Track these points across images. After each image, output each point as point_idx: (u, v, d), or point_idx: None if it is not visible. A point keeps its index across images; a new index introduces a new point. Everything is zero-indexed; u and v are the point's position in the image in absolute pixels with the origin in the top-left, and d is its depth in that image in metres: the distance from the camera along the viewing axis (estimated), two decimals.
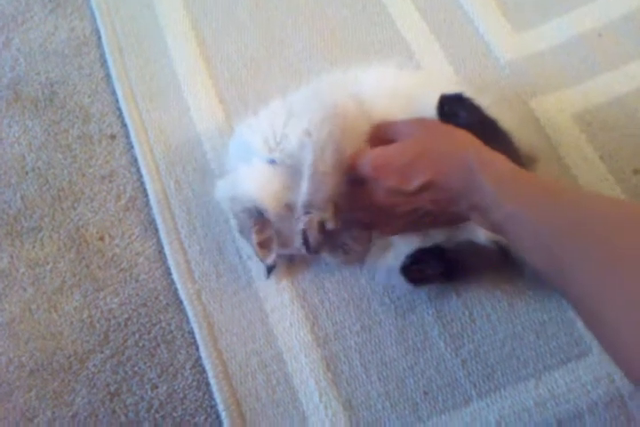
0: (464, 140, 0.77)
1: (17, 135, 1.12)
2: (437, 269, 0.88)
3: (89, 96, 1.16)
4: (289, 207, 0.84)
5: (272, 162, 0.87)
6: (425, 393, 0.89)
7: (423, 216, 0.81)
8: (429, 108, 0.86)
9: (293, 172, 0.84)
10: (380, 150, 0.80)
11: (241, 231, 0.93)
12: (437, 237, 0.91)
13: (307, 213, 0.80)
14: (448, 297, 0.93)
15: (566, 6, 1.11)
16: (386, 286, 0.94)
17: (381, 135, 0.84)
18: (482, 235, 0.87)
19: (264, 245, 0.87)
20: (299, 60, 1.13)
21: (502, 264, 0.89)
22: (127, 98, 1.15)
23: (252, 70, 1.13)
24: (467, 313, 0.92)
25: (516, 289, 0.92)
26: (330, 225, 0.79)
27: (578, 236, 0.61)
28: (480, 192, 0.71)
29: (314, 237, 0.79)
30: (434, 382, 0.90)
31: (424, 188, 0.75)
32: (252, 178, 0.87)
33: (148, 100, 1.14)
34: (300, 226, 0.79)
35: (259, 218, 0.86)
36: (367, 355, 0.91)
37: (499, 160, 0.73)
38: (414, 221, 0.83)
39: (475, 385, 0.89)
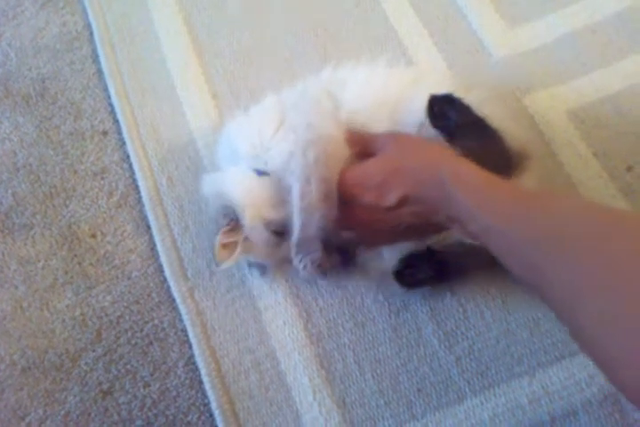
0: (436, 154, 0.77)
1: (8, 131, 1.11)
2: (429, 272, 0.89)
3: (80, 92, 1.15)
4: (266, 223, 0.84)
5: (259, 173, 0.86)
6: (418, 390, 0.89)
7: (407, 229, 0.80)
8: (419, 109, 0.85)
9: (278, 186, 0.85)
10: (355, 168, 0.81)
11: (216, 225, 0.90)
12: (428, 239, 0.90)
13: (299, 253, 0.80)
14: (442, 295, 0.92)
15: (560, 3, 1.10)
16: (379, 285, 0.93)
17: (365, 148, 0.83)
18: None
19: (227, 248, 0.85)
20: (291, 55, 1.12)
21: (494, 262, 0.87)
22: (119, 94, 1.14)
23: (245, 66, 1.12)
24: (460, 311, 0.92)
25: (510, 286, 0.91)
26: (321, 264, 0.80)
27: (554, 245, 0.60)
28: (455, 205, 0.70)
29: (315, 272, 0.81)
30: (427, 379, 0.90)
31: (402, 202, 0.75)
32: (237, 183, 0.87)
33: (140, 95, 1.13)
34: (299, 266, 0.81)
35: (233, 221, 0.85)
36: (361, 352, 0.91)
37: (472, 172, 0.72)
38: (399, 234, 0.83)
39: (468, 382, 0.89)
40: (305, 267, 0.80)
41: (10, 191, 1.06)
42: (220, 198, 0.87)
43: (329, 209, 0.79)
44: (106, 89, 1.14)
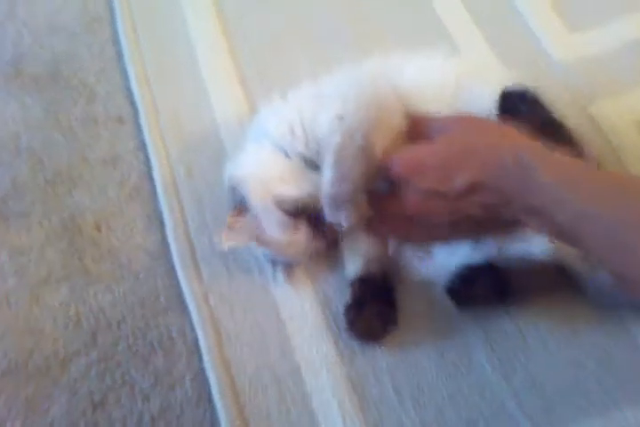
0: (514, 134, 0.69)
1: (14, 113, 1.04)
2: (489, 290, 0.79)
3: (96, 75, 1.08)
4: (278, 202, 0.77)
5: (285, 154, 0.79)
6: (468, 424, 0.77)
7: (466, 224, 0.72)
8: (480, 104, 0.79)
9: (303, 171, 0.78)
10: (415, 148, 0.72)
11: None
12: (486, 248, 0.80)
13: (335, 208, 0.71)
14: (498, 316, 0.82)
15: (625, 9, 1.05)
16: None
17: (418, 133, 0.76)
18: (537, 246, 0.78)
19: (236, 232, 0.80)
20: (327, 40, 1.06)
21: (561, 283, 0.81)
22: (139, 78, 1.06)
23: (277, 51, 1.05)
24: (519, 336, 0.81)
25: (577, 310, 0.81)
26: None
27: None
28: (538, 192, 0.62)
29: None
30: (479, 411, 0.78)
31: (470, 189, 0.66)
32: (250, 160, 0.82)
33: (161, 80, 1.06)
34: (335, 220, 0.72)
35: (240, 204, 0.80)
36: (400, 377, 0.80)
37: (557, 154, 0.65)
38: (455, 231, 0.74)
39: (531, 419, 0.76)
40: (345, 218, 0.71)
41: (9, 176, 0.97)
42: (230, 180, 0.81)
43: (364, 163, 0.71)
44: (124, 74, 1.07)
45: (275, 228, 0.78)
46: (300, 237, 0.78)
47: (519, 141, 0.68)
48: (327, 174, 0.73)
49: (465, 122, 0.75)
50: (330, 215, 0.73)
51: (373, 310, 0.80)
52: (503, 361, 0.80)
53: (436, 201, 0.70)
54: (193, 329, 0.84)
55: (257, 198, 0.78)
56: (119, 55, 1.10)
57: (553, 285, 0.80)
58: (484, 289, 0.79)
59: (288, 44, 1.06)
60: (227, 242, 0.80)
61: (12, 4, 1.14)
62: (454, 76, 0.84)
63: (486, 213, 0.69)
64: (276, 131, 0.82)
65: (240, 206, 0.80)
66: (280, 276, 0.86)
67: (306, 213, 0.78)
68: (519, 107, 0.77)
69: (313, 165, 0.79)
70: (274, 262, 0.86)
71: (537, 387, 0.78)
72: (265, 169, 0.79)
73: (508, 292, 0.80)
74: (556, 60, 1.01)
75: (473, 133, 0.72)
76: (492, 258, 0.80)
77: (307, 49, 1.05)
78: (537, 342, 0.80)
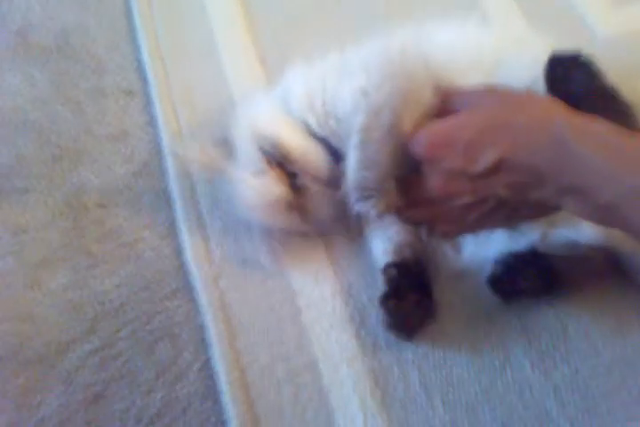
0: (549, 107, 0.62)
1: (20, 86, 0.99)
2: (535, 280, 0.73)
3: (107, 48, 1.03)
4: (259, 140, 0.74)
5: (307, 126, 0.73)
6: (503, 425, 0.70)
7: (495, 209, 0.66)
8: (522, 74, 0.73)
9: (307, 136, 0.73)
10: (438, 124, 0.66)
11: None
12: (529, 233, 0.74)
13: (362, 197, 0.66)
14: (536, 305, 0.75)
15: None
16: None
17: (447, 109, 0.69)
18: (584, 230, 0.71)
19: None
20: (354, 19, 1.00)
21: (606, 269, 0.74)
22: (151, 51, 1.02)
23: (300, 28, 1.00)
24: (560, 327, 0.74)
25: (625, 301, 0.74)
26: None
27: None
28: (579, 169, 0.57)
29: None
30: (515, 411, 0.70)
31: (496, 168, 0.60)
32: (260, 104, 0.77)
33: (175, 55, 1.01)
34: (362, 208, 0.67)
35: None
36: (429, 372, 0.73)
37: (602, 126, 0.58)
38: (484, 217, 0.68)
39: (571, 421, 0.69)
40: (373, 207, 0.67)
41: (13, 151, 0.93)
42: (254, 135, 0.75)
43: (392, 143, 0.66)
44: (137, 47, 1.03)
45: (244, 161, 0.74)
46: (264, 182, 0.73)
47: (557, 115, 0.61)
48: (352, 158, 0.67)
49: (496, 94, 0.68)
50: (356, 204, 0.67)
51: (413, 299, 0.73)
52: (543, 355, 0.73)
53: (461, 182, 0.64)
54: (201, 315, 0.78)
55: (242, 130, 0.75)
56: (131, 28, 1.05)
57: (598, 272, 0.74)
58: (531, 279, 0.73)
59: (312, 20, 1.01)
60: (192, 155, 0.77)
61: None
62: (491, 45, 0.77)
63: (514, 195, 0.62)
64: (296, 103, 0.76)
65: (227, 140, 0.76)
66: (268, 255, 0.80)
67: (284, 168, 0.73)
68: (571, 74, 0.69)
69: (325, 146, 0.73)
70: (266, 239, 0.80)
71: (579, 385, 0.71)
72: (267, 112, 0.75)
73: (555, 282, 0.73)
74: (599, 36, 0.96)
75: (504, 106, 0.65)
76: (535, 244, 0.73)
77: (332, 25, 1.00)
78: (579, 334, 0.73)
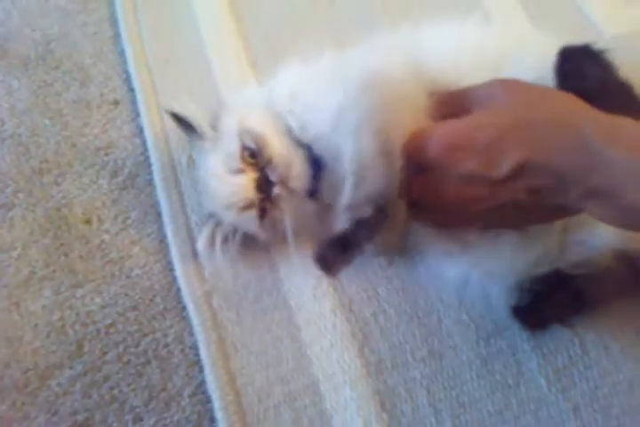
0: (572, 103, 0.60)
1: None
2: (565, 307, 0.70)
3: (91, 57, 0.99)
4: (242, 133, 0.71)
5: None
6: None
7: (512, 212, 0.62)
8: (525, 75, 0.68)
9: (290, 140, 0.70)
10: (452, 124, 0.63)
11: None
12: (543, 241, 0.69)
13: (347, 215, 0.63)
14: None
15: None
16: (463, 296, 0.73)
17: (452, 106, 0.66)
18: (602, 237, 0.67)
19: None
20: (350, 20, 0.96)
21: (625, 278, 0.70)
22: (137, 58, 0.97)
23: (293, 31, 0.96)
24: (577, 342, 0.70)
25: None
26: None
27: None
28: (607, 170, 0.53)
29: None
30: None
31: (518, 172, 0.57)
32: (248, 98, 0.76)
33: (162, 61, 0.97)
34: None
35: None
36: (438, 391, 0.70)
37: (626, 122, 0.55)
38: (498, 220, 0.65)
39: None
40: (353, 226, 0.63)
41: None
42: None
43: (388, 168, 0.62)
44: (122, 55, 0.98)
45: (223, 156, 0.71)
46: (239, 182, 0.69)
47: (580, 112, 0.58)
48: (347, 193, 0.64)
49: (513, 87, 0.64)
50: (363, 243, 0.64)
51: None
52: (559, 372, 0.70)
53: (479, 187, 0.60)
54: (193, 335, 0.75)
55: (230, 119, 0.72)
56: (116, 36, 1.01)
57: (617, 282, 0.70)
58: (561, 306, 0.69)
59: (304, 23, 0.97)
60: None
61: None
62: (494, 45, 0.75)
63: (533, 200, 0.59)
64: (278, 105, 0.73)
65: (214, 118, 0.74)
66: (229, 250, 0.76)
67: (260, 168, 0.69)
68: (583, 67, 0.66)
69: (307, 153, 0.70)
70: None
71: (600, 403, 0.68)
72: (259, 108, 0.72)
73: (584, 304, 0.70)
74: (605, 35, 0.93)
75: (525, 103, 0.62)
76: (552, 258, 0.68)
77: (326, 27, 0.96)
78: (598, 349, 0.70)
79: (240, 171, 0.70)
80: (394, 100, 0.65)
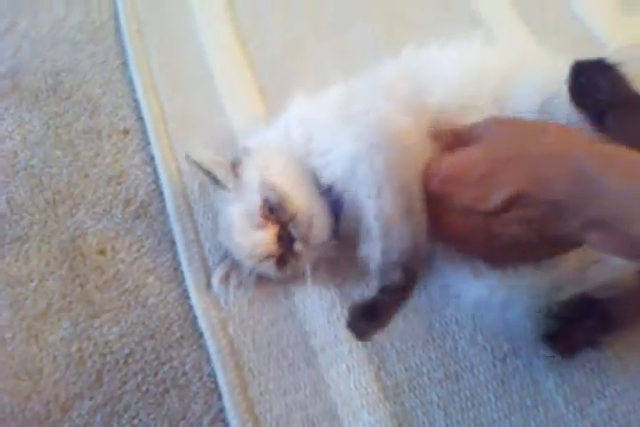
0: (565, 136, 0.59)
1: (10, 129, 0.97)
2: (597, 331, 0.68)
3: (100, 86, 1.01)
4: (264, 189, 0.71)
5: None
6: None
7: (513, 246, 0.60)
8: (532, 95, 0.69)
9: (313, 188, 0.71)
10: (449, 158, 0.63)
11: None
12: (561, 263, 0.68)
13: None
14: None
15: None
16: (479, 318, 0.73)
17: (456, 144, 0.65)
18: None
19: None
20: (356, 44, 0.98)
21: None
22: (146, 87, 0.99)
23: (299, 56, 0.98)
24: (594, 359, 0.70)
25: None
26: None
27: None
28: (606, 202, 0.52)
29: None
30: None
31: (510, 204, 0.56)
32: (274, 139, 0.76)
33: (170, 89, 0.98)
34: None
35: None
36: (455, 413, 0.70)
37: (624, 152, 0.54)
38: (501, 253, 0.63)
39: None
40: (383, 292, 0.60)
41: (4, 197, 0.90)
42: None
43: (414, 225, 0.60)
44: (130, 84, 1.00)
45: (245, 209, 0.71)
46: (259, 236, 0.70)
47: (575, 143, 0.57)
48: (376, 259, 0.62)
49: (507, 122, 0.65)
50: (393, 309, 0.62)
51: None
52: (577, 391, 0.70)
53: (472, 218, 0.60)
54: (210, 363, 0.76)
55: (252, 171, 0.72)
56: (125, 65, 1.02)
57: (630, 295, 0.69)
58: (592, 331, 0.68)
59: (311, 48, 0.98)
60: (197, 155, 0.75)
61: (14, 16, 1.08)
62: (499, 69, 0.73)
63: (528, 232, 0.58)
64: (295, 145, 0.74)
65: (234, 163, 0.75)
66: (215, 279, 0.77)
67: (282, 223, 0.70)
68: (595, 81, 0.65)
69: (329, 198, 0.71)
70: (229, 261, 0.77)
71: (619, 422, 0.68)
72: (281, 156, 0.72)
73: (613, 326, 0.68)
74: (608, 48, 0.93)
75: (516, 137, 0.61)
76: (574, 280, 0.68)
77: (332, 52, 0.97)
78: (615, 366, 0.70)
79: (262, 225, 0.70)
80: (406, 155, 0.64)
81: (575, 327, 0.67)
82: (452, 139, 0.67)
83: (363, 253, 0.64)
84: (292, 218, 0.69)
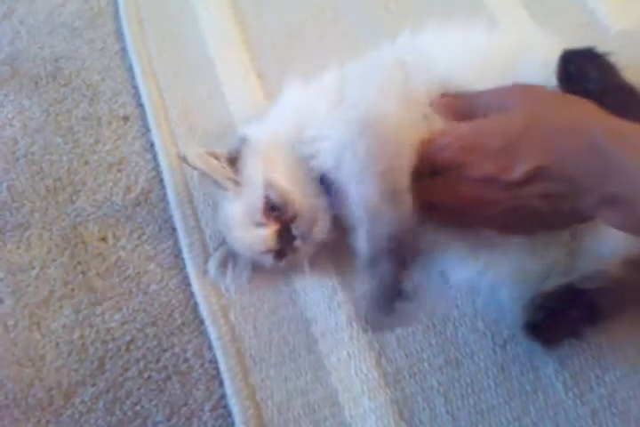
0: (586, 109, 0.59)
1: (10, 116, 0.96)
2: (580, 321, 0.67)
3: (99, 73, 1.00)
4: (267, 187, 0.71)
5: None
6: None
7: (526, 217, 0.61)
8: (533, 77, 0.68)
9: (313, 183, 0.71)
10: (468, 126, 0.63)
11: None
12: (553, 249, 0.68)
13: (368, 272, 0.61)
14: None
15: None
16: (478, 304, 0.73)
17: (462, 110, 0.66)
18: (609, 244, 0.66)
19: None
20: (356, 30, 0.96)
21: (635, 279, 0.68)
22: (145, 74, 0.98)
23: (298, 41, 0.96)
24: (592, 345, 0.70)
25: None
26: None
27: None
28: (621, 178, 0.53)
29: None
30: None
31: (531, 177, 0.57)
32: (274, 129, 0.75)
33: (170, 76, 0.97)
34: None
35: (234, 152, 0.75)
36: (455, 399, 0.70)
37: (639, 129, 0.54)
38: (512, 223, 0.64)
39: None
40: (377, 288, 0.60)
41: (5, 184, 0.90)
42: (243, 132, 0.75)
43: (399, 211, 0.60)
44: (130, 70, 0.99)
45: (246, 206, 0.71)
46: (259, 233, 0.70)
47: (594, 117, 0.58)
48: (362, 248, 0.62)
49: (528, 92, 0.64)
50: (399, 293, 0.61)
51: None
52: (576, 377, 0.69)
53: (492, 190, 0.60)
54: (212, 349, 0.76)
55: (253, 167, 0.71)
56: (124, 51, 1.01)
57: (629, 292, 0.69)
58: (576, 321, 0.67)
59: (311, 34, 0.97)
60: (192, 159, 0.74)
61: (12, 2, 1.07)
62: (503, 50, 0.73)
63: (547, 206, 0.59)
64: (284, 130, 0.74)
65: (233, 155, 0.74)
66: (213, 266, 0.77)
67: (284, 222, 0.70)
68: (585, 70, 0.64)
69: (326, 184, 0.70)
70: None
71: (618, 407, 0.68)
72: (281, 149, 0.71)
73: (599, 317, 0.68)
74: (611, 31, 0.91)
75: (539, 107, 0.61)
76: (562, 268, 0.68)
77: (332, 38, 0.96)
78: (615, 351, 0.70)
79: (262, 223, 0.70)
80: (389, 141, 0.64)
81: (560, 318, 0.66)
82: (459, 102, 0.67)
83: (352, 241, 0.64)
84: (294, 217, 0.69)
